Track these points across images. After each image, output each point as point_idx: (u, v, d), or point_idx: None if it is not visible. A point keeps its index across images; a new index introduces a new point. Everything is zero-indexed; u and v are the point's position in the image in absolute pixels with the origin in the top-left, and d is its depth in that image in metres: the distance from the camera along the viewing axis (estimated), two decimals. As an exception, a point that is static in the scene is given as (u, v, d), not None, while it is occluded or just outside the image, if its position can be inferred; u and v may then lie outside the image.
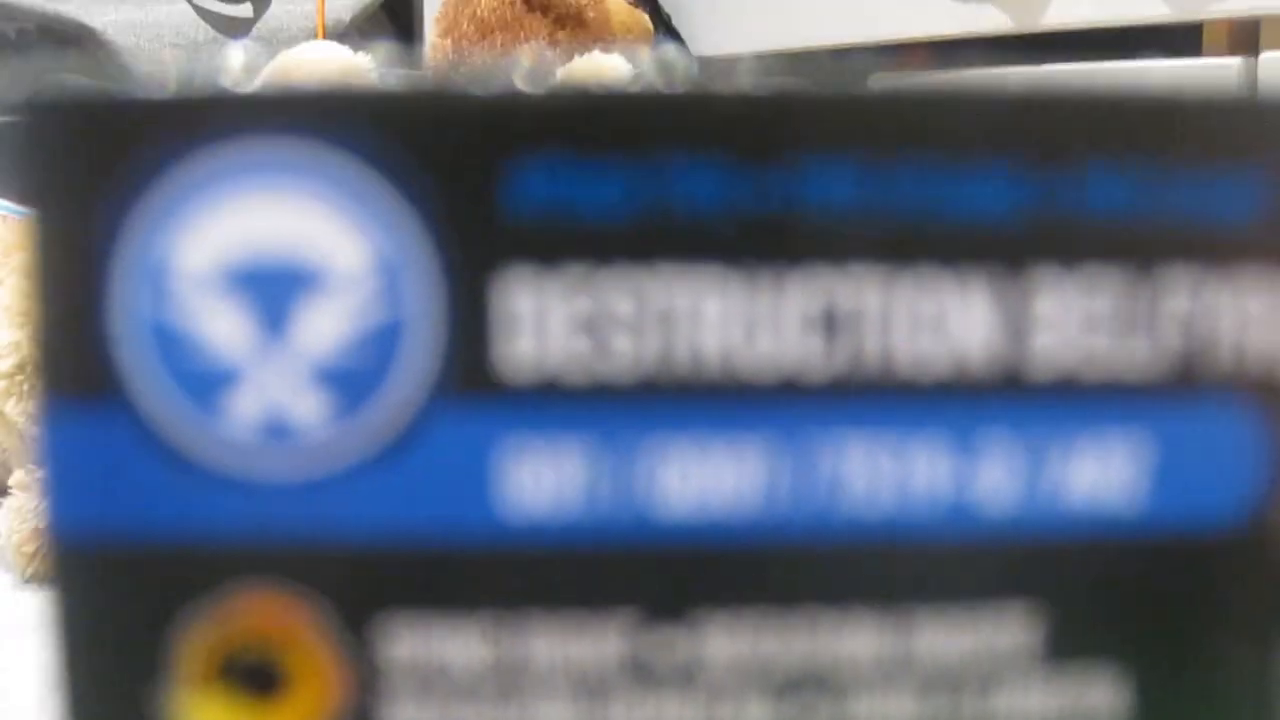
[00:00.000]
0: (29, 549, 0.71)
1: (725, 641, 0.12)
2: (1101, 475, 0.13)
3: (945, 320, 0.12)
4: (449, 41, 0.83)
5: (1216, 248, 0.13)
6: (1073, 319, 0.12)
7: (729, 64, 0.12)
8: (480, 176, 0.12)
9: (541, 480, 0.12)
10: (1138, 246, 0.12)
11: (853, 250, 0.12)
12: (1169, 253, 0.12)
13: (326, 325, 0.12)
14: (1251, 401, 0.13)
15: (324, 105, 0.12)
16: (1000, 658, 0.13)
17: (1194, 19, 0.89)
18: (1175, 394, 0.13)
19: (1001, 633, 0.13)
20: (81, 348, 0.11)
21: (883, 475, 0.12)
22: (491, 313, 0.12)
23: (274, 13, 1.27)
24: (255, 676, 0.12)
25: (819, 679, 0.13)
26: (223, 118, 0.11)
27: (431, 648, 0.12)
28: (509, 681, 0.12)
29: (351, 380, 0.12)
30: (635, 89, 0.12)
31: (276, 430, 0.12)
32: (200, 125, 0.11)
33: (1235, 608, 0.13)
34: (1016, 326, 0.12)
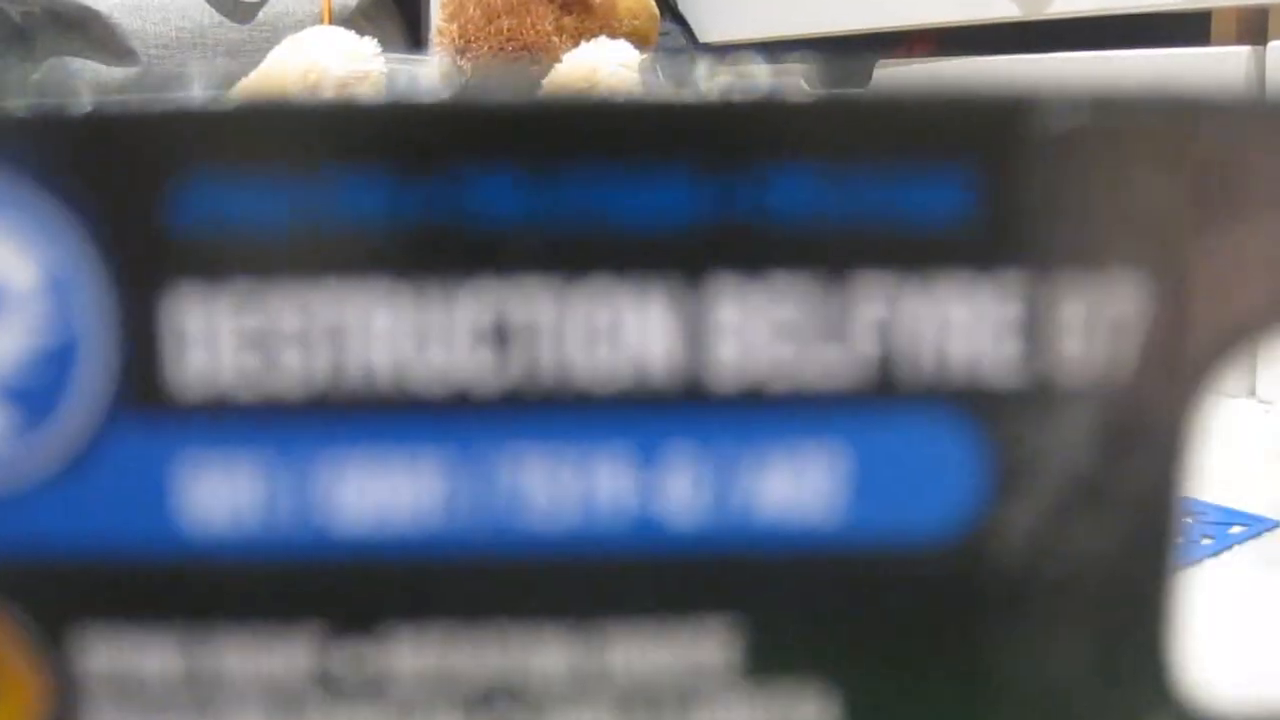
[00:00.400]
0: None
1: (413, 654, 0.12)
2: (796, 488, 0.12)
3: (622, 331, 0.12)
4: (455, 26, 0.83)
5: (916, 253, 0.12)
6: (759, 328, 0.12)
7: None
8: (145, 195, 0.12)
9: (218, 495, 0.12)
10: (829, 252, 0.12)
11: (523, 261, 0.12)
12: (863, 258, 0.12)
13: (2, 344, 0.12)
14: (958, 411, 0.12)
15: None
16: (700, 673, 0.12)
17: (1202, 7, 0.86)
18: (874, 404, 0.12)
19: (699, 648, 0.12)
20: None
21: (564, 489, 0.12)
22: (161, 330, 0.12)
23: (280, -4, 1.33)
24: None
25: (511, 692, 0.12)
26: None
27: (127, 659, 0.12)
28: (202, 693, 0.12)
29: (31, 398, 0.12)
30: (293, 102, 0.12)
31: None
32: None
33: (948, 621, 0.13)
34: (698, 337, 0.12)
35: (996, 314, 0.12)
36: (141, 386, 0.12)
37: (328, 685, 0.12)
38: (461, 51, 0.85)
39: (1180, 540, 0.12)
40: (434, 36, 0.87)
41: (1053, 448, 0.12)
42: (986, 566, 0.12)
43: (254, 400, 0.12)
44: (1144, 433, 0.12)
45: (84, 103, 0.12)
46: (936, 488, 0.12)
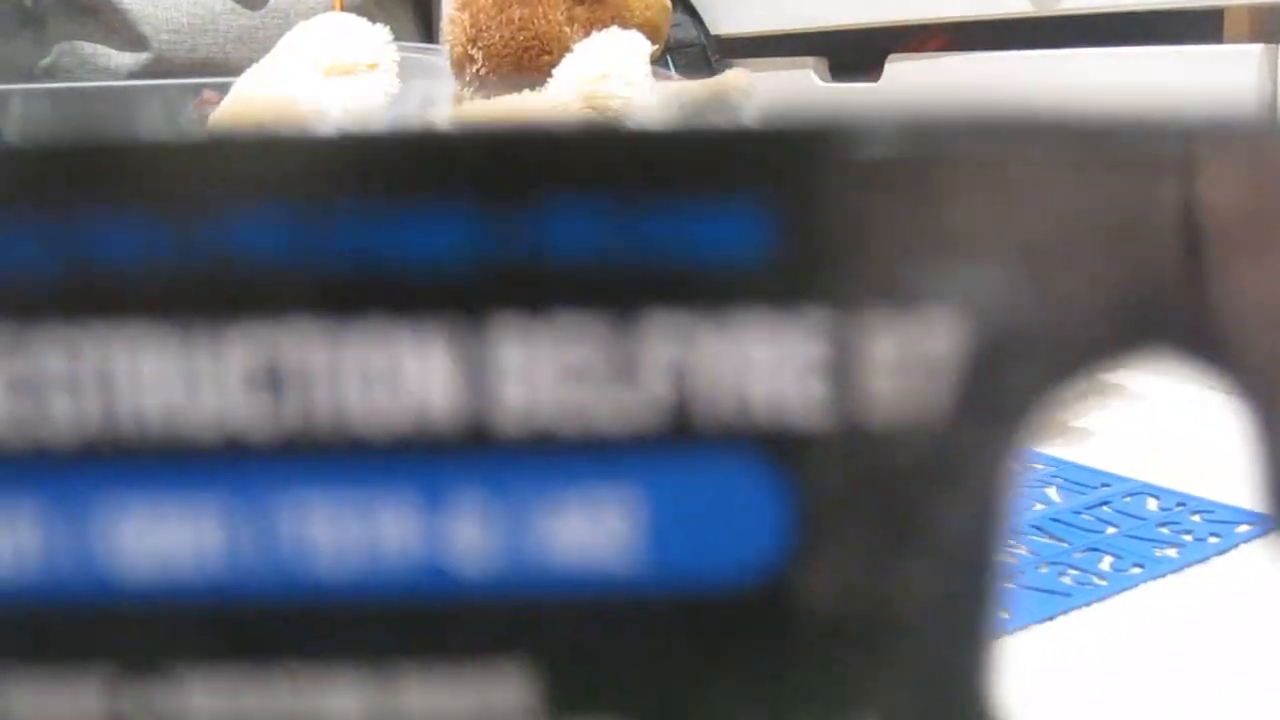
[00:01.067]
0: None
1: (205, 696, 0.12)
2: (590, 532, 0.12)
3: (400, 374, 0.11)
4: (467, 15, 0.83)
5: (711, 290, 0.11)
6: (545, 370, 0.11)
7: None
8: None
9: (-5, 541, 0.12)
10: (617, 291, 0.11)
11: (292, 303, 0.11)
12: (653, 297, 0.11)
13: None
14: (760, 453, 0.12)
15: None
16: (496, 715, 0.12)
17: (1215, 5, 0.86)
18: (670, 447, 0.12)
19: (496, 690, 0.12)
20: None
21: (349, 535, 0.12)
22: (-77, 375, 0.11)
23: (293, -16, 1.29)
24: None
25: (305, 735, 0.12)
26: None
27: (-83, 700, 0.12)
28: (-6, 733, 0.12)
29: None
30: (45, 141, 0.11)
31: None
32: None
33: (753, 664, 0.12)
34: (481, 380, 0.11)
35: (800, 353, 0.11)
36: None
37: None
38: (473, 40, 0.84)
39: (998, 581, 0.12)
40: (445, 25, 0.87)
41: (862, 489, 0.12)
42: (793, 607, 0.12)
43: (25, 447, 0.12)
44: (960, 473, 0.12)
45: None
46: (738, 530, 0.12)
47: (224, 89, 0.80)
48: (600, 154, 0.11)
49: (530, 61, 0.78)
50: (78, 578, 0.12)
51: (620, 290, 0.11)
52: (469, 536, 0.12)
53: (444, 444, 0.12)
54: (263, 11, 1.27)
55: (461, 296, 0.11)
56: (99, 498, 0.12)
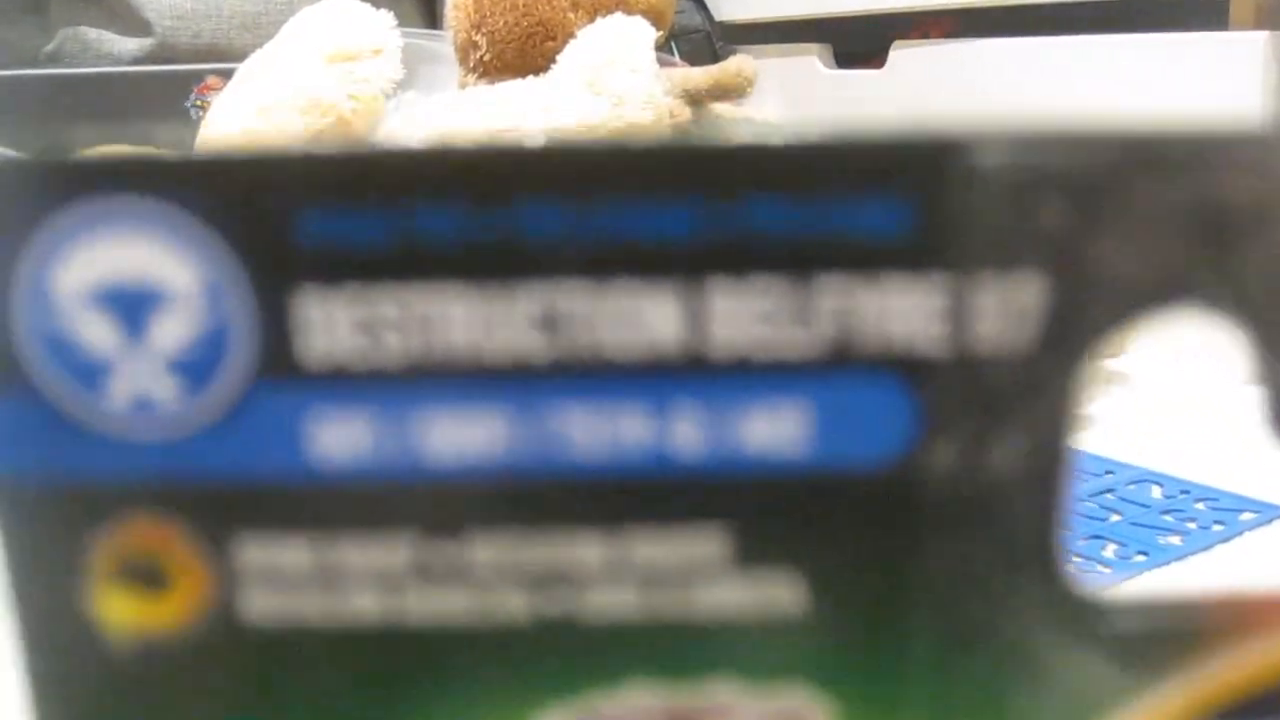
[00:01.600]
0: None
1: (486, 550, 0.17)
2: (772, 431, 0.16)
3: (641, 318, 0.16)
4: (471, 1, 0.82)
5: (865, 258, 0.16)
6: (744, 315, 0.16)
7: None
8: (276, 219, 0.16)
9: (338, 439, 0.16)
10: (797, 259, 0.16)
11: (564, 267, 0.16)
12: (824, 263, 0.16)
13: (172, 330, 0.16)
14: (895, 375, 0.16)
15: (153, 170, 0.15)
16: (700, 563, 0.17)
17: None
18: (832, 370, 0.16)
19: (700, 545, 0.17)
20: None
21: (597, 433, 0.16)
22: (291, 319, 0.16)
23: (296, -30, 1.25)
24: (144, 576, 0.17)
25: (559, 576, 0.17)
26: (80, 180, 0.15)
27: (271, 555, 0.17)
28: (328, 578, 0.17)
29: (194, 369, 0.16)
30: (384, 149, 0.16)
31: (143, 405, 0.16)
32: (66, 186, 0.15)
33: (888, 526, 0.17)
34: (699, 322, 0.16)
35: (927, 304, 0.16)
36: (277, 361, 0.16)
37: (423, 573, 0.17)
38: (477, 26, 0.83)
39: (1070, 467, 0.17)
40: (449, 11, 0.85)
41: (971, 400, 0.16)
42: (917, 486, 0.16)
43: (364, 370, 0.16)
44: (1042, 389, 0.16)
45: (224, 151, 0.15)
46: (878, 430, 0.16)
47: (227, 75, 0.79)
48: (789, 161, 0.15)
49: (534, 48, 0.78)
50: (397, 466, 0.16)
51: (800, 259, 0.16)
52: (685, 433, 0.16)
53: (669, 367, 0.16)
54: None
55: (686, 263, 0.16)
56: (416, 407, 0.16)
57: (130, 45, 1.26)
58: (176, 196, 0.15)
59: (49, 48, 1.30)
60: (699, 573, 0.17)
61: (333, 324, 0.16)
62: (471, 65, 0.82)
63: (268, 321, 0.16)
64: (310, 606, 0.17)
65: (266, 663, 0.17)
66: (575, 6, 0.80)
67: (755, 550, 0.17)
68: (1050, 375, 0.16)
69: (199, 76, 1.06)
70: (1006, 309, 0.16)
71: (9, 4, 1.27)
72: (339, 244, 0.16)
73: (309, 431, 0.16)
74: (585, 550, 0.17)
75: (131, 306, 0.16)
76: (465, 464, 0.16)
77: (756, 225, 0.16)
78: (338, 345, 0.16)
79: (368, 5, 0.79)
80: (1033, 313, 0.16)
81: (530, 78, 0.76)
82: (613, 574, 0.17)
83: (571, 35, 0.75)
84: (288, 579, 0.17)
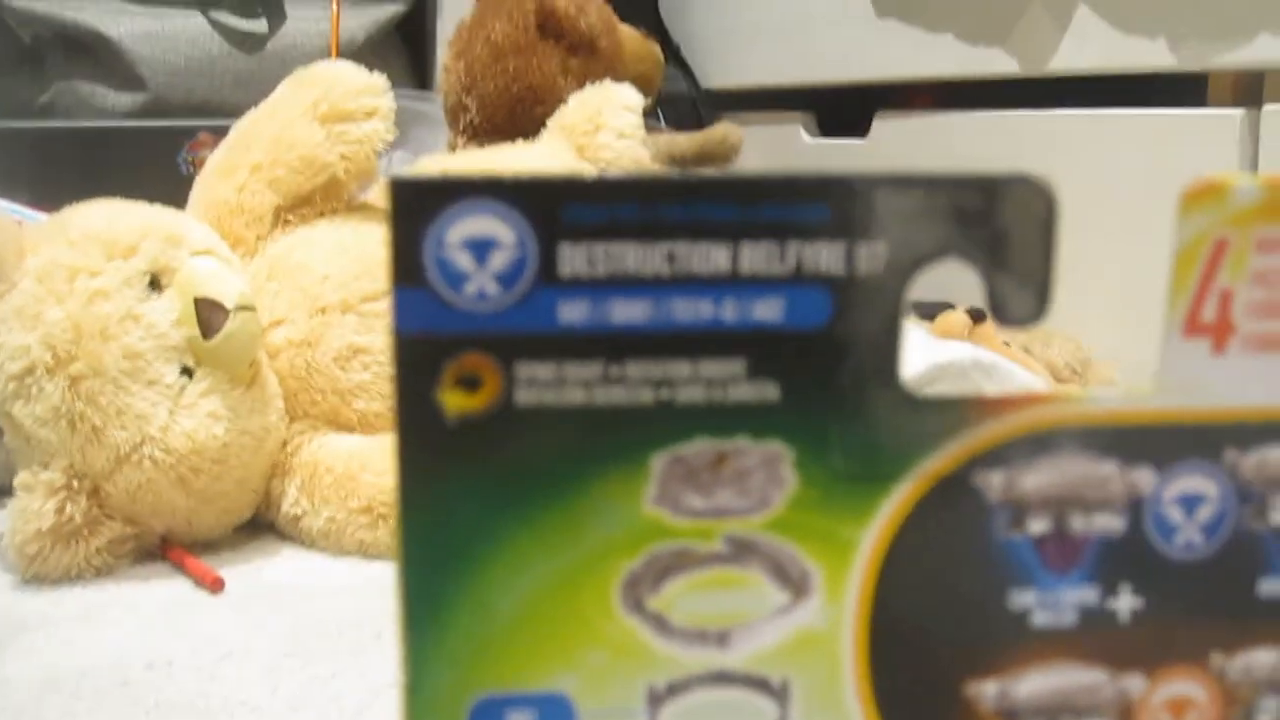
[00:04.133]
0: (31, 549, 0.73)
1: (637, 369, 0.36)
2: (767, 309, 0.36)
3: (710, 259, 0.35)
4: (462, 64, 0.84)
5: (809, 235, 0.36)
6: (761, 257, 0.36)
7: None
8: (551, 207, 0.34)
9: (572, 313, 0.35)
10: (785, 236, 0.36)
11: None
12: (793, 236, 0.36)
13: (498, 260, 0.35)
14: (822, 285, 0.36)
15: (491, 182, 0.34)
16: (732, 376, 0.36)
17: (1199, 69, 0.85)
18: (794, 282, 0.36)
19: (732, 366, 0.36)
20: (407, 267, 0.34)
21: (696, 311, 0.36)
22: (557, 258, 0.35)
23: (288, 29, 1.29)
24: (468, 383, 0.35)
25: (667, 383, 0.36)
26: (457, 186, 0.34)
27: (533, 371, 0.35)
28: (559, 384, 0.36)
29: (507, 278, 0.35)
30: (648, 176, 0.35)
31: (481, 296, 0.35)
32: (451, 188, 0.34)
33: (821, 356, 0.36)
34: (738, 264, 0.35)
35: (839, 252, 0.36)
36: (547, 276, 0.35)
37: (608, 381, 0.36)
38: (467, 89, 0.85)
39: (902, 333, 0.37)
40: (440, 74, 0.87)
41: (855, 300, 0.36)
42: (834, 339, 0.36)
43: (586, 282, 0.35)
44: (884, 290, 0.36)
45: (525, 172, 0.34)
46: (815, 311, 0.36)
47: (220, 130, 0.86)
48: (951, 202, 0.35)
49: (524, 112, 0.82)
50: (600, 326, 0.35)
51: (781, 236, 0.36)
52: (729, 311, 0.36)
53: (728, 281, 0.36)
54: (260, 56, 1.28)
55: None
56: (611, 298, 0.35)
57: (124, 100, 1.28)
58: (503, 195, 0.34)
59: (43, 99, 1.31)
60: (731, 380, 0.36)
61: (574, 260, 0.35)
62: (461, 128, 0.86)
63: (543, 258, 0.35)
64: (549, 398, 0.35)
65: (526, 430, 0.35)
66: (565, 72, 0.84)
67: (756, 369, 0.36)
68: (888, 286, 0.36)
69: (191, 132, 1.08)
70: (872, 254, 0.36)
71: (4, 56, 1.29)
72: (581, 223, 0.35)
73: (559, 309, 0.35)
74: (679, 369, 0.36)
75: (480, 247, 0.34)
76: (633, 326, 0.35)
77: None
78: (577, 270, 0.35)
79: (360, 66, 0.80)
80: (881, 255, 0.36)
81: (519, 141, 0.80)
82: (690, 381, 0.36)
83: (561, 100, 0.77)
84: (539, 384, 0.35)
